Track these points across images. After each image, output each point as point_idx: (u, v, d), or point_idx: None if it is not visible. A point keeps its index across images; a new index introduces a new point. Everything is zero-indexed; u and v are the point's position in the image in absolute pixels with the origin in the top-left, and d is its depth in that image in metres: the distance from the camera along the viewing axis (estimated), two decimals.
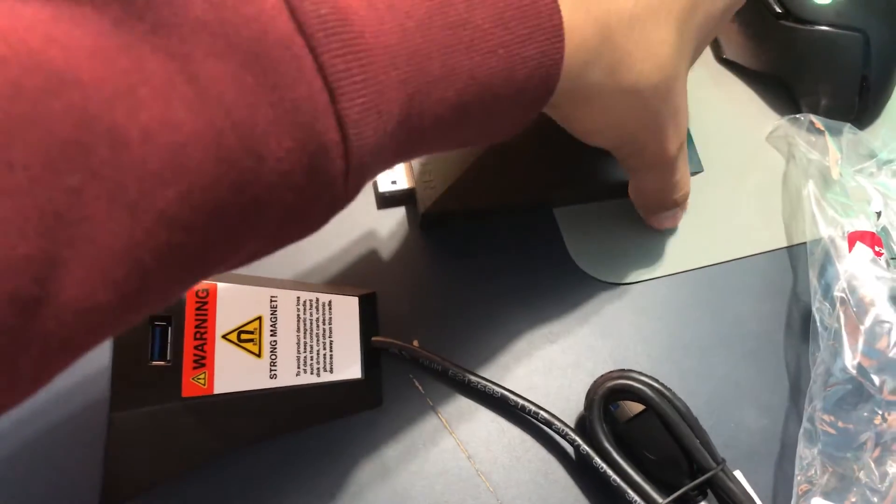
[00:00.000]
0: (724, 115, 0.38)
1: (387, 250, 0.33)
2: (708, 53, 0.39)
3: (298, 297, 0.30)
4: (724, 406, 0.32)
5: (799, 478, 0.29)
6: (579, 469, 0.30)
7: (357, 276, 0.32)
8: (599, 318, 0.33)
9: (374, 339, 0.30)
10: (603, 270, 0.34)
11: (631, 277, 0.34)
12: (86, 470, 0.28)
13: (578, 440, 0.29)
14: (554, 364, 0.32)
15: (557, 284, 0.33)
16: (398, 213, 0.34)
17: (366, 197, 0.34)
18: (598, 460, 0.28)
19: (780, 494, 0.31)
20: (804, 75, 0.36)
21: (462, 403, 0.31)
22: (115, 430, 0.26)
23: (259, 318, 0.29)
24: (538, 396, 0.30)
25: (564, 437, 0.29)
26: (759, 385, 0.32)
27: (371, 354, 0.30)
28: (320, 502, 0.29)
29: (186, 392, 0.27)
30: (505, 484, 0.30)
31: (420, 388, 0.31)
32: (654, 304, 0.33)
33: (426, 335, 0.32)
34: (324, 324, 0.30)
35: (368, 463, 0.30)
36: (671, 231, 0.34)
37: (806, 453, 0.30)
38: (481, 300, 0.33)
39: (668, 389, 0.29)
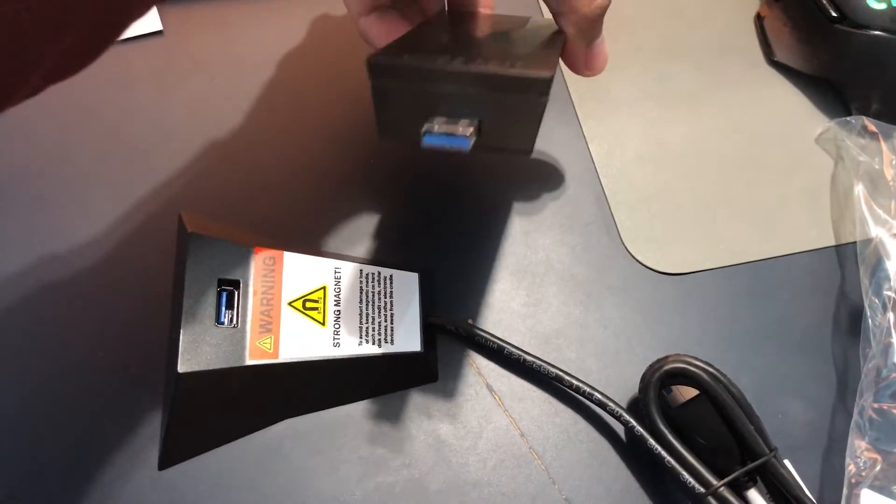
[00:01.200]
0: (773, 117, 0.38)
1: (442, 233, 0.34)
2: (759, 55, 0.40)
3: (361, 270, 0.30)
4: (772, 398, 0.32)
5: (850, 469, 0.30)
6: (630, 451, 0.30)
7: (414, 256, 0.33)
8: (651, 306, 0.33)
9: (431, 315, 0.31)
10: (656, 260, 0.34)
11: (683, 268, 0.34)
12: (145, 430, 0.29)
13: (633, 421, 0.29)
14: (606, 349, 0.32)
15: (611, 273, 0.34)
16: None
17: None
18: (652, 442, 0.29)
19: (826, 485, 0.31)
20: (857, 79, 0.37)
21: (515, 383, 0.31)
22: (181, 390, 0.26)
23: (323, 288, 0.29)
24: (590, 380, 0.31)
25: (618, 418, 0.30)
26: (806, 378, 0.33)
27: (428, 330, 0.31)
28: (376, 472, 0.29)
29: (252, 356, 0.27)
30: (557, 462, 0.30)
31: (475, 366, 0.31)
32: (704, 295, 0.34)
33: (479, 317, 0.32)
34: (385, 297, 0.30)
35: (423, 435, 0.30)
36: (725, 223, 0.35)
37: (856, 445, 0.30)
38: (534, 284, 0.33)
39: (724, 375, 0.29)
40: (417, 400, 0.30)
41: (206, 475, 0.28)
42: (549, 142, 0.36)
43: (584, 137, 0.37)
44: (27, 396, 0.29)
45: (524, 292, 0.33)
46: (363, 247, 0.33)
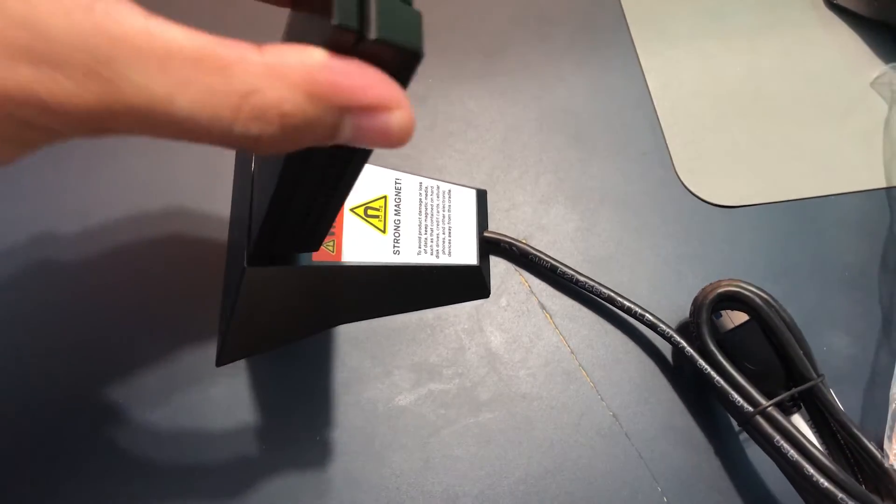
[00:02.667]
0: (829, 59, 0.38)
1: (499, 156, 0.34)
2: None
3: (421, 183, 0.30)
4: (817, 331, 0.32)
5: (895, 400, 0.30)
6: (676, 373, 0.31)
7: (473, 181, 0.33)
8: (702, 236, 0.34)
9: (486, 231, 0.31)
10: (709, 192, 0.34)
11: (735, 201, 0.34)
12: (200, 324, 0.29)
13: (683, 342, 0.30)
14: (656, 275, 0.33)
15: (664, 202, 0.34)
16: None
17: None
18: (701, 362, 0.29)
19: (868, 416, 0.31)
20: None
21: (566, 303, 0.32)
22: (248, 284, 0.26)
23: (384, 198, 0.29)
24: (640, 303, 0.31)
25: (668, 339, 0.30)
26: (852, 314, 0.33)
27: (483, 246, 0.31)
28: (429, 379, 0.30)
29: (317, 256, 0.27)
30: (605, 380, 0.30)
31: (527, 284, 0.32)
32: (755, 228, 0.34)
33: (533, 239, 0.33)
34: (443, 210, 0.30)
35: (475, 346, 0.30)
36: (777, 160, 0.35)
37: None
38: (588, 210, 0.33)
39: (776, 300, 0.30)
40: (471, 313, 0.31)
41: (263, 372, 0.29)
42: (607, 73, 0.36)
43: (642, 69, 0.37)
44: (92, 288, 0.29)
45: (578, 216, 0.33)
46: (425, 167, 0.33)
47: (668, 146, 0.35)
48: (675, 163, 0.35)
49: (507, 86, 0.36)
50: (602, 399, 0.30)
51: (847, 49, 0.39)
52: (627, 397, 0.30)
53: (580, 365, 0.31)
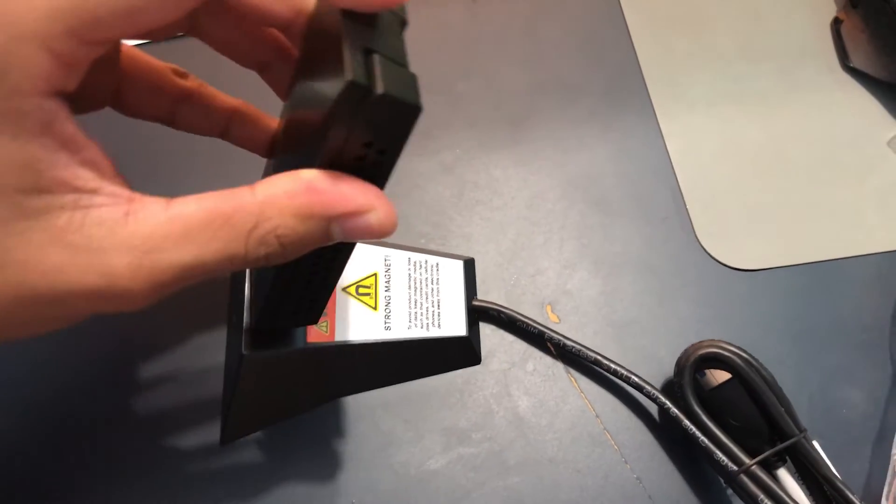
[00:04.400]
0: (846, 120, 0.39)
1: (524, 222, 0.36)
2: (834, 60, 0.41)
3: (409, 258, 0.32)
4: (836, 390, 0.33)
5: (894, 459, 0.31)
6: (663, 430, 0.32)
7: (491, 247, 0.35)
8: (722, 300, 0.35)
9: (474, 300, 0.32)
10: (728, 256, 0.35)
11: (754, 264, 0.35)
12: (206, 407, 0.31)
13: (668, 403, 0.31)
14: (677, 339, 0.34)
15: (685, 266, 0.35)
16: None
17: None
18: (686, 422, 0.30)
19: (874, 474, 0.32)
20: None
21: (551, 364, 0.33)
22: (247, 368, 0.26)
23: (374, 275, 0.31)
24: (662, 367, 0.32)
25: (654, 399, 0.31)
26: (870, 374, 0.34)
27: (472, 315, 0.32)
28: (458, 443, 0.31)
29: (311, 338, 0.27)
30: (630, 444, 0.31)
31: (551, 346, 0.33)
32: (774, 291, 0.35)
33: (558, 303, 0.34)
34: (432, 283, 0.32)
35: (503, 411, 0.32)
36: (796, 222, 0.36)
37: None
38: (611, 275, 0.35)
39: (756, 359, 0.30)
40: (499, 378, 0.32)
41: (296, 436, 0.30)
42: (629, 139, 0.38)
43: (662, 135, 0.38)
44: (91, 365, 0.31)
45: (601, 281, 0.35)
46: (453, 235, 0.35)
47: (689, 210, 0.36)
48: (695, 227, 0.36)
49: (532, 154, 0.37)
50: (626, 462, 0.31)
51: (864, 111, 0.40)
52: (651, 461, 0.31)
53: (605, 428, 0.32)
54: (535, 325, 0.32)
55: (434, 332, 0.30)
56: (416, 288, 0.31)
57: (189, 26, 0.22)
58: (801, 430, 0.30)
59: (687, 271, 0.35)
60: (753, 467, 0.29)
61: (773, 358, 0.32)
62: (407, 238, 0.34)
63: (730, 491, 0.31)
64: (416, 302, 0.31)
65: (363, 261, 0.31)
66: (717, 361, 0.31)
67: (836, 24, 0.42)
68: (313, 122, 0.18)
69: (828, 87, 0.40)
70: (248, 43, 0.22)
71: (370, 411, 0.31)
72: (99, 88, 0.21)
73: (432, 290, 0.31)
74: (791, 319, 0.35)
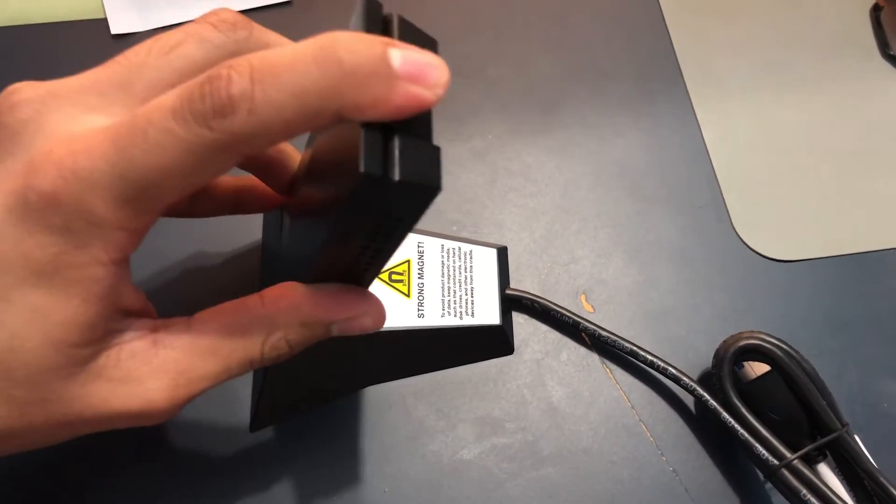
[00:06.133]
0: (886, 109, 0.38)
1: (558, 210, 0.35)
2: (873, 47, 0.40)
3: (443, 245, 0.31)
4: (878, 383, 0.33)
5: None
6: (700, 423, 0.31)
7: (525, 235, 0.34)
8: (759, 290, 0.34)
9: (508, 289, 0.32)
10: (765, 246, 0.35)
11: (792, 255, 0.35)
12: (236, 393, 0.30)
13: (706, 395, 0.30)
14: (713, 329, 0.33)
15: (721, 255, 0.35)
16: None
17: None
18: (725, 415, 0.29)
19: None
20: None
21: (585, 354, 0.32)
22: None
23: (408, 262, 0.30)
24: (699, 358, 0.32)
25: (692, 392, 0.30)
26: None
27: (505, 304, 0.32)
28: (492, 433, 0.30)
29: None
30: (666, 436, 0.31)
31: (586, 336, 0.32)
32: (812, 281, 0.34)
33: (592, 293, 0.33)
34: (465, 271, 0.31)
35: (536, 401, 0.31)
36: (835, 212, 0.35)
37: None
38: (646, 264, 0.34)
39: (797, 351, 0.30)
40: (532, 368, 0.32)
41: (327, 425, 0.30)
42: (663, 126, 0.37)
43: (698, 123, 0.37)
44: None
45: (636, 270, 0.34)
46: (485, 222, 0.34)
47: (725, 199, 0.35)
48: (731, 216, 0.35)
49: (565, 140, 0.37)
50: (662, 454, 0.31)
51: None
52: (687, 454, 0.31)
53: (640, 420, 0.31)
54: (569, 314, 0.32)
55: (467, 321, 0.30)
56: (449, 276, 0.31)
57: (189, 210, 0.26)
58: (844, 424, 0.29)
59: (723, 261, 0.34)
60: (795, 462, 0.28)
61: (811, 350, 0.31)
62: (439, 225, 0.34)
63: (769, 485, 0.30)
64: (449, 290, 0.30)
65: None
66: (757, 353, 0.30)
67: (876, 10, 0.41)
68: (333, 184, 0.18)
69: (867, 75, 0.39)
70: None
71: (401, 399, 0.31)
72: None
73: (466, 277, 0.31)
74: (830, 311, 0.34)
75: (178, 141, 0.16)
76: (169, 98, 0.16)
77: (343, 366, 0.29)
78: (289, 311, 0.20)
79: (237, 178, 0.27)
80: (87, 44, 0.37)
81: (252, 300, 0.20)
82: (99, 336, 0.18)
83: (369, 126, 0.16)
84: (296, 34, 0.17)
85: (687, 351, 0.32)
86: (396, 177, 0.15)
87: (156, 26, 0.37)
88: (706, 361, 0.31)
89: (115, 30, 0.37)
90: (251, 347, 0.20)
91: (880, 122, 0.38)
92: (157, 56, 0.18)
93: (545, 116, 0.37)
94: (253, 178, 0.27)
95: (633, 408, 0.31)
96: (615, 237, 0.35)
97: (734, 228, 0.35)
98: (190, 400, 0.20)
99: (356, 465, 0.29)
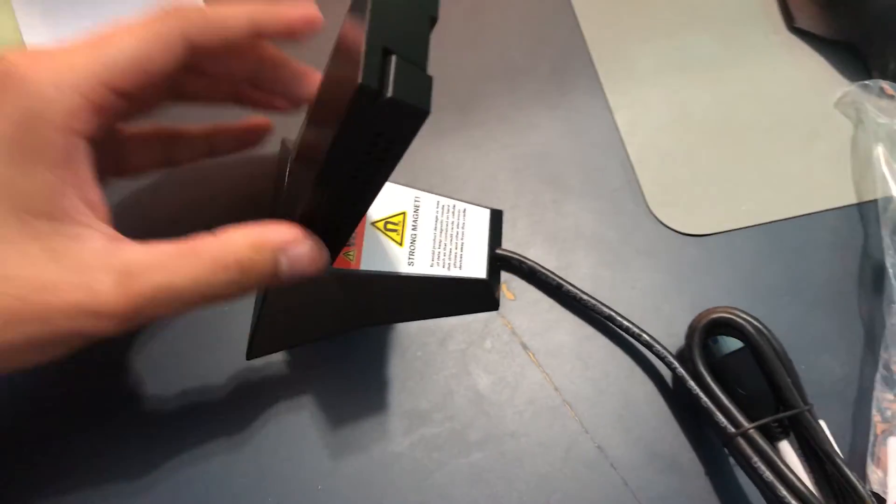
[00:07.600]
0: (794, 82, 0.39)
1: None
2: (779, 22, 0.41)
3: (438, 202, 0.33)
4: (800, 353, 0.33)
5: (876, 419, 0.31)
6: (665, 398, 0.32)
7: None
8: (677, 267, 0.35)
9: (498, 248, 0.34)
10: (681, 222, 0.36)
11: (708, 229, 0.36)
12: (234, 325, 0.32)
13: (675, 363, 0.31)
14: (635, 308, 0.34)
15: (638, 236, 0.35)
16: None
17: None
18: (691, 383, 0.30)
19: (857, 435, 0.32)
20: (875, 40, 0.38)
21: (549, 340, 0.33)
22: (270, 290, 0.28)
23: (403, 213, 0.32)
24: None
25: (663, 359, 0.31)
26: (833, 334, 0.34)
27: (493, 261, 0.33)
28: (420, 424, 0.31)
29: (336, 264, 0.29)
30: (589, 414, 0.32)
31: (510, 326, 0.33)
32: (729, 255, 0.35)
33: (513, 281, 0.34)
34: (457, 227, 0.33)
35: (462, 390, 0.32)
36: (748, 186, 0.36)
37: (883, 397, 0.31)
38: (564, 250, 0.35)
39: (768, 329, 0.31)
40: (457, 358, 0.33)
41: (264, 423, 0.31)
42: (577, 115, 0.38)
43: (610, 109, 0.38)
44: None
45: (554, 257, 0.35)
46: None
47: (639, 181, 0.36)
48: (646, 197, 0.36)
49: (482, 137, 0.38)
50: (587, 432, 0.32)
51: (811, 71, 0.40)
52: (611, 429, 0.32)
53: (564, 400, 0.32)
54: (553, 276, 0.33)
55: (454, 272, 0.32)
56: (441, 230, 0.32)
57: (175, 93, 0.27)
58: (807, 404, 0.30)
59: (641, 241, 0.35)
60: (751, 431, 0.29)
61: None
62: None
63: (733, 462, 0.31)
64: (440, 243, 0.32)
65: (394, 199, 0.32)
66: (729, 327, 0.31)
67: None
68: (335, 104, 0.19)
69: (774, 49, 0.40)
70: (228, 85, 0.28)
71: (331, 396, 0.31)
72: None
73: (457, 233, 0.33)
74: (749, 282, 0.35)
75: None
76: None
77: (336, 304, 0.31)
78: (238, 235, 0.22)
79: (207, 123, 0.30)
80: None
81: (206, 234, 0.22)
82: (54, 211, 0.19)
83: (372, 47, 0.17)
84: None
85: None
86: (389, 93, 0.17)
87: None
88: None
89: None
90: (199, 265, 0.21)
91: (789, 94, 0.39)
92: None
93: (462, 115, 0.38)
94: (222, 121, 0.30)
95: (556, 389, 0.32)
96: (533, 226, 0.36)
97: (649, 208, 0.36)
98: (136, 309, 0.20)
99: (288, 466, 0.30)
